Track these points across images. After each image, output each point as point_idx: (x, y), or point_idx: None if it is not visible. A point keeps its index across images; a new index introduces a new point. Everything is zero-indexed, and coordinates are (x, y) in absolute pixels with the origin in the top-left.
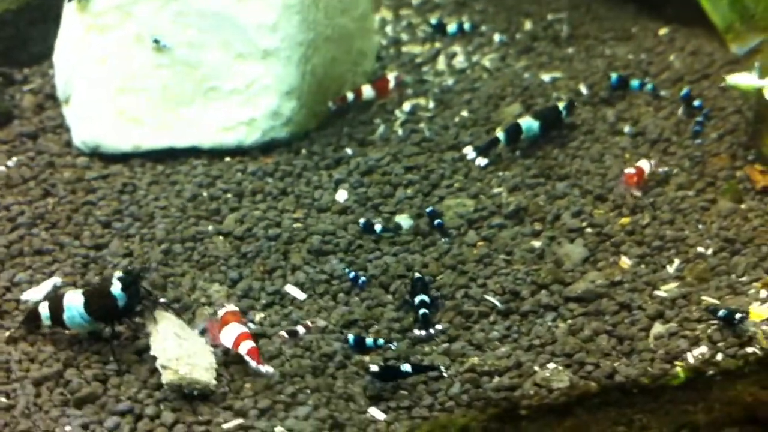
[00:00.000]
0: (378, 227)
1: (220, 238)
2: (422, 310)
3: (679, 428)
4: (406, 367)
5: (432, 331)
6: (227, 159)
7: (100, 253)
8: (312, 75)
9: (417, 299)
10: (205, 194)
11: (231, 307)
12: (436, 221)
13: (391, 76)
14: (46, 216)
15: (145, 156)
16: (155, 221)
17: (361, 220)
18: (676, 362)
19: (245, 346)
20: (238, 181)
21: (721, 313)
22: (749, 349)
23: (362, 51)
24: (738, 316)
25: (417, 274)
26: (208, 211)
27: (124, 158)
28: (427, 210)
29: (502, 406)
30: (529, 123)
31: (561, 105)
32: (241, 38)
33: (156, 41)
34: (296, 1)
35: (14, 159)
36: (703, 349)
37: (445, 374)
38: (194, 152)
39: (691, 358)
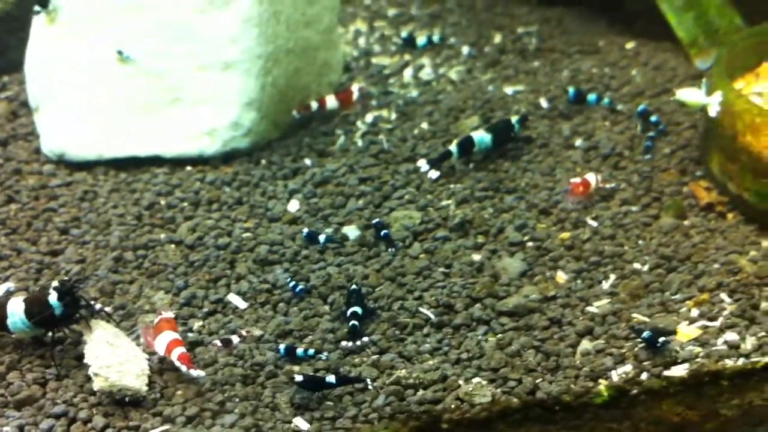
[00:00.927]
0: (322, 237)
1: (172, 246)
2: (351, 322)
3: None
4: (331, 378)
5: (359, 342)
6: (188, 168)
7: (54, 259)
8: (273, 86)
9: (349, 311)
10: (162, 203)
11: (166, 314)
12: (383, 232)
13: (355, 88)
14: (7, 222)
15: (109, 164)
16: (111, 228)
17: (305, 230)
18: (600, 380)
19: (176, 352)
20: (196, 190)
21: (645, 334)
22: (675, 369)
23: (327, 63)
24: (661, 339)
25: (353, 286)
26: (164, 219)
27: (88, 166)
28: (374, 222)
29: (423, 419)
30: (481, 136)
31: (514, 119)
32: (203, 50)
33: (119, 52)
34: (255, 14)
35: None
36: (627, 367)
37: (370, 386)
38: (157, 161)
39: (615, 376)
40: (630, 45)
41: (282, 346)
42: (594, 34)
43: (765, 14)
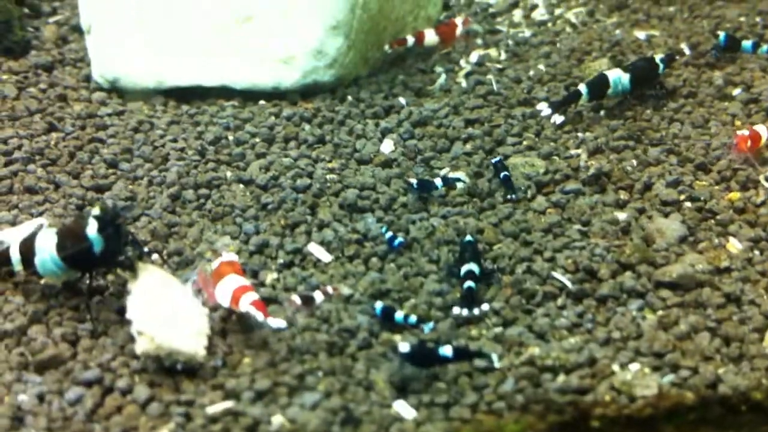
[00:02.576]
0: (438, 182)
1: (241, 186)
2: (467, 284)
3: None
4: (446, 351)
5: (477, 311)
6: (262, 102)
7: (99, 195)
8: (364, 9)
9: (464, 269)
10: (230, 138)
11: (228, 256)
12: (503, 173)
13: (459, 21)
14: (46, 152)
15: (169, 93)
16: (168, 164)
17: (413, 180)
18: None
19: (247, 298)
20: (270, 125)
21: None
22: None
23: None
24: None
25: (468, 238)
26: (231, 156)
27: (145, 95)
28: (493, 160)
29: (568, 413)
30: (618, 76)
31: (658, 57)
32: None
33: None
34: None
35: (23, 91)
36: None
37: (497, 364)
38: (225, 92)
39: None
40: None
41: (378, 305)
42: None
43: None
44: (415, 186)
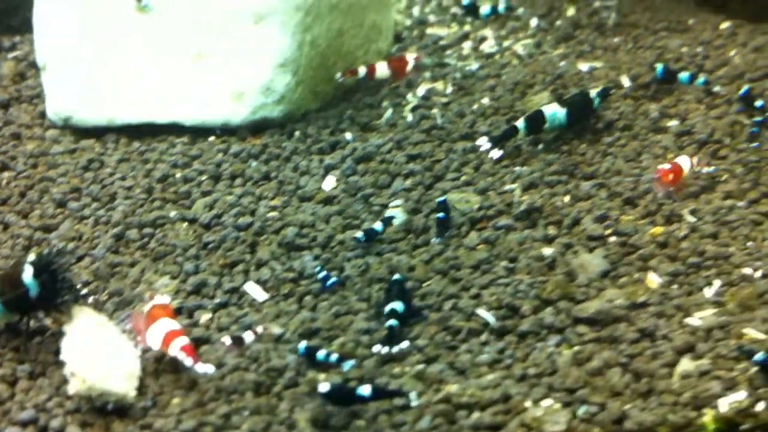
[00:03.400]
0: (378, 226)
1: (184, 224)
2: (390, 322)
3: None
4: (365, 390)
5: (398, 348)
6: (211, 138)
7: (46, 235)
8: (312, 47)
9: (388, 308)
10: (177, 175)
11: (161, 299)
12: (440, 215)
13: (411, 57)
14: None
15: (121, 131)
16: (115, 203)
17: (358, 234)
18: (705, 409)
19: (177, 344)
20: (218, 162)
21: (758, 356)
22: None
23: (377, 26)
24: None
25: (396, 276)
26: (177, 194)
27: (97, 132)
28: (439, 200)
29: None
30: (554, 111)
31: (593, 92)
32: None
33: (138, 0)
34: None
35: None
36: (740, 395)
37: (414, 403)
38: (176, 129)
39: (724, 405)
40: (725, 25)
41: (302, 345)
42: (682, 12)
43: None
44: (361, 239)
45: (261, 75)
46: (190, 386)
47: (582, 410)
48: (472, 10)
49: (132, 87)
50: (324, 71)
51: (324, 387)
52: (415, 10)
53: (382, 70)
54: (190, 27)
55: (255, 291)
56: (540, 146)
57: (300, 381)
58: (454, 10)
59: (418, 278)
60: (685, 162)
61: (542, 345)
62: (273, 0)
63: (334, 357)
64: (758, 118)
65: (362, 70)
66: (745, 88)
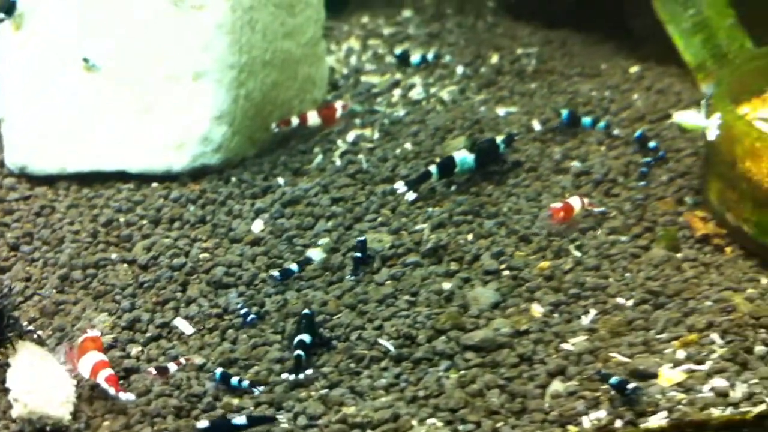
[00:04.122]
0: (294, 267)
1: (124, 265)
2: (296, 352)
3: None
4: (240, 420)
5: (303, 375)
6: (154, 184)
7: (0, 276)
8: (247, 99)
9: (296, 339)
10: (121, 220)
11: (91, 332)
12: (358, 254)
13: (339, 105)
14: None
15: (72, 178)
16: (63, 246)
17: (275, 273)
18: (570, 426)
19: (103, 374)
20: (158, 207)
21: (612, 380)
22: (653, 418)
23: (311, 78)
24: (630, 386)
25: (306, 311)
26: (120, 237)
27: (50, 180)
28: (359, 239)
29: None
30: (463, 157)
31: (499, 139)
32: (173, 58)
33: (85, 60)
34: (228, 21)
35: None
36: (601, 413)
37: (283, 425)
38: (123, 176)
39: (586, 422)
40: (634, 69)
41: (218, 371)
42: (597, 57)
43: None
44: (278, 278)
45: (199, 127)
46: (119, 411)
47: (461, 428)
48: (404, 59)
49: (82, 138)
50: (260, 120)
51: (202, 424)
52: (353, 59)
53: (313, 118)
54: (135, 84)
55: (183, 325)
56: (453, 188)
57: (216, 405)
58: (389, 59)
59: (329, 312)
60: (575, 201)
61: (434, 370)
62: (208, 60)
63: (245, 383)
64: (647, 159)
65: (295, 120)
66: (639, 130)
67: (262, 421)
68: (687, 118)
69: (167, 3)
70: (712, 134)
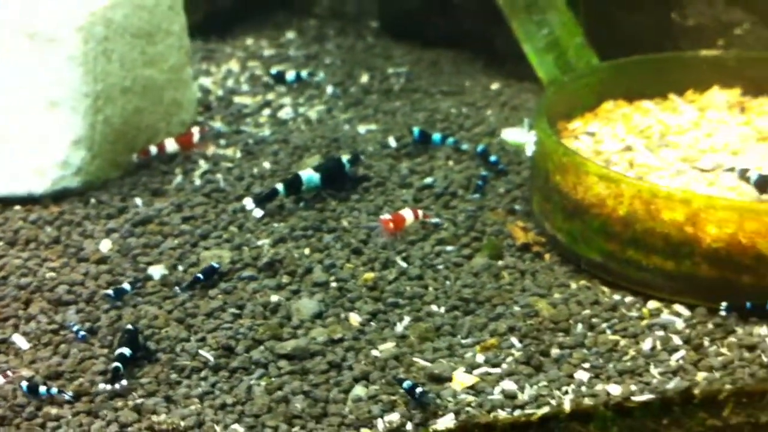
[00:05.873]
0: (126, 286)
1: None
2: (114, 364)
3: None
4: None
5: (119, 386)
6: (17, 207)
7: None
8: (106, 125)
9: (116, 352)
10: None
11: None
12: (198, 275)
13: (195, 130)
14: None
15: None
16: None
17: (110, 291)
18: (364, 429)
19: None
20: (16, 229)
21: (405, 384)
22: (442, 420)
23: (177, 102)
24: (418, 390)
25: (128, 326)
26: None
27: None
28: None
29: None
30: (309, 175)
31: (345, 157)
32: (30, 88)
33: None
34: (80, 53)
35: None
36: (394, 416)
37: None
38: None
39: (381, 424)
40: (495, 86)
41: (24, 384)
42: (464, 75)
43: None
44: (112, 296)
45: (58, 152)
46: None
47: None
48: (280, 78)
49: None
50: (123, 144)
51: None
52: (230, 81)
53: (171, 145)
54: None
55: (20, 341)
56: (301, 204)
57: (38, 414)
58: (266, 79)
59: (158, 326)
60: (407, 213)
61: (248, 378)
62: (63, 89)
63: (54, 390)
64: (483, 172)
65: (153, 149)
66: (482, 145)
67: None
68: (511, 135)
69: (23, 37)
70: (529, 150)
